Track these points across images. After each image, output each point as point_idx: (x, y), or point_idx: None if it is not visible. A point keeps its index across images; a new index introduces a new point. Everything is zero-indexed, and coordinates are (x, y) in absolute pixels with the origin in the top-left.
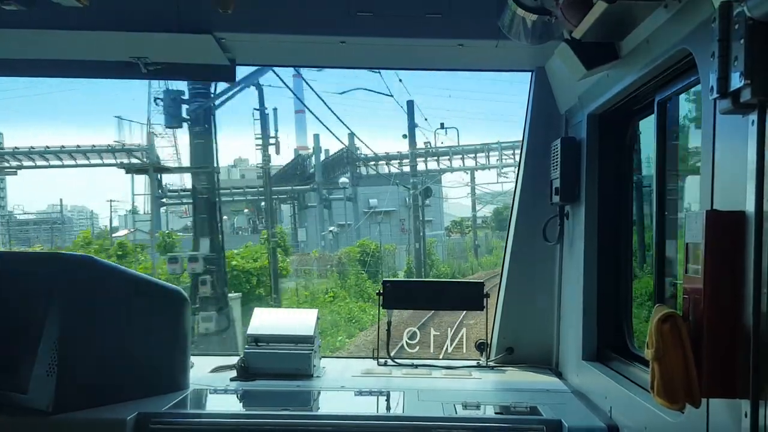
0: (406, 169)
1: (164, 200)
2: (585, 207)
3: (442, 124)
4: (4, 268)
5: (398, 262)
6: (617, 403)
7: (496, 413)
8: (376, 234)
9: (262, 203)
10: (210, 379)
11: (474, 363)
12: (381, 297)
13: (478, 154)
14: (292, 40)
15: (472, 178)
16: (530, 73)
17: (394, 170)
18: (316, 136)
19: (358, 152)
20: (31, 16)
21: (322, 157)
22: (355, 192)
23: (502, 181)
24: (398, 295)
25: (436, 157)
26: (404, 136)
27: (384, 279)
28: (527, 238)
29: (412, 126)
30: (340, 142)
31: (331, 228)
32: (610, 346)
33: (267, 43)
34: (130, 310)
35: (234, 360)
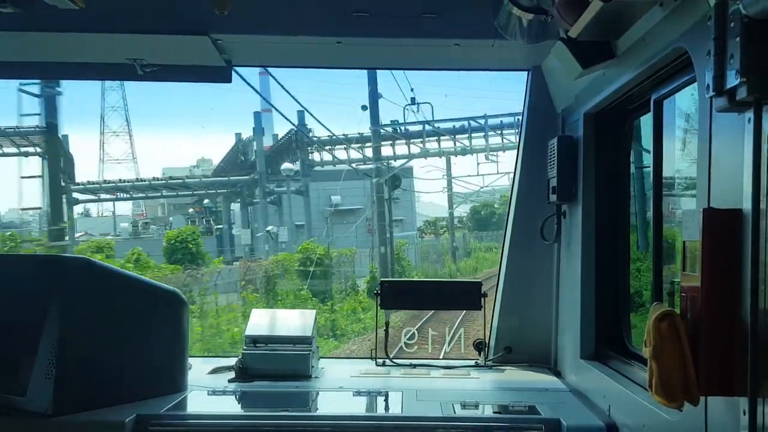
0: (370, 153)
1: (76, 196)
2: (582, 206)
3: (413, 99)
4: (1, 270)
5: (360, 269)
6: (616, 401)
7: (494, 413)
8: (340, 236)
9: (205, 200)
10: (208, 380)
11: (472, 363)
12: (379, 297)
13: (458, 137)
14: (288, 41)
15: (449, 167)
16: (527, 72)
17: (356, 157)
18: (257, 115)
19: (311, 134)
20: (27, 19)
21: (270, 142)
22: (306, 184)
23: (484, 173)
24: (396, 295)
25: (405, 140)
26: (363, 107)
27: (381, 279)
28: (525, 237)
29: (374, 95)
30: (293, 125)
31: (269, 228)
32: (608, 344)
33: (263, 44)
34: (128, 311)
35: (232, 361)
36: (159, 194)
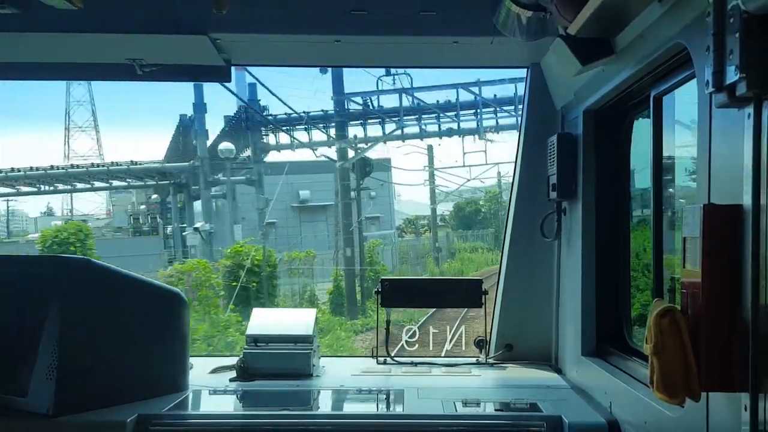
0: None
1: None
2: (582, 203)
3: (388, 70)
4: (2, 271)
5: (321, 274)
6: (617, 398)
7: (496, 410)
8: (309, 237)
9: (154, 195)
10: (209, 379)
11: (473, 360)
12: (379, 296)
13: (443, 114)
14: (287, 40)
15: (431, 157)
16: (526, 69)
17: (320, 140)
18: (198, 87)
19: (266, 113)
20: (25, 19)
21: (219, 126)
22: (259, 172)
23: (471, 164)
24: (396, 294)
25: (379, 117)
26: (322, 70)
27: (382, 278)
28: (525, 234)
29: None
30: (242, 101)
31: (198, 225)
32: (609, 341)
33: (262, 43)
34: (128, 311)
35: (233, 360)
36: (90, 186)
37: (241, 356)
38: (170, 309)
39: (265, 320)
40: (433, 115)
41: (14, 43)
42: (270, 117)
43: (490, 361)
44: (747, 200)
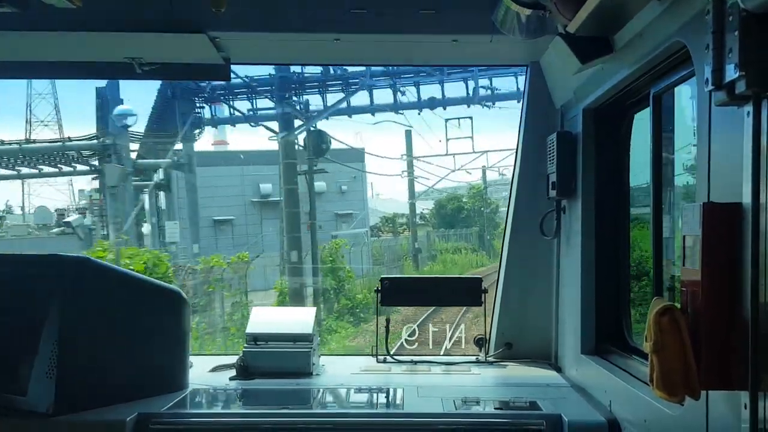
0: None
1: None
2: (581, 201)
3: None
4: (1, 270)
5: (258, 282)
6: (617, 396)
7: (495, 409)
8: (271, 235)
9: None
10: (209, 378)
11: (473, 359)
12: (379, 294)
13: (424, 78)
14: (286, 39)
15: (409, 143)
16: (525, 67)
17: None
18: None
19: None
20: (24, 18)
21: (146, 103)
22: (189, 153)
23: (456, 152)
24: (396, 292)
25: (341, 84)
26: None
27: (382, 276)
28: (524, 232)
29: None
30: (199, 87)
31: (70, 219)
32: (608, 339)
33: (261, 41)
34: (128, 310)
35: (233, 359)
36: (16, 174)
37: (241, 355)
38: (170, 307)
39: (264, 319)
40: (411, 81)
41: (13, 42)
42: (204, 84)
43: (490, 359)
44: (746, 198)
